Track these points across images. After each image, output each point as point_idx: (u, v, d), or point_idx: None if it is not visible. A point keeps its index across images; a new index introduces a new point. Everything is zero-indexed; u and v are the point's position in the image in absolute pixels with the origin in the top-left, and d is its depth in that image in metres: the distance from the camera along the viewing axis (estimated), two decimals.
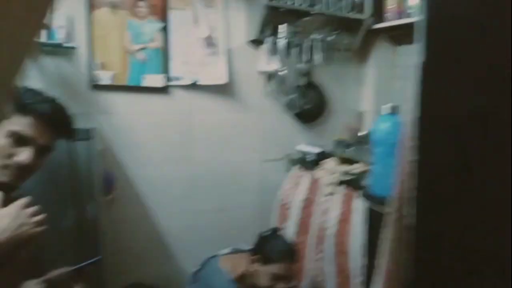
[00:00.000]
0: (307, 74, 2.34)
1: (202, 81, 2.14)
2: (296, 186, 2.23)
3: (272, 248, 1.79)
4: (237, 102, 2.28)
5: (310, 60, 2.30)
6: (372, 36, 2.40)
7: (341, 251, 1.89)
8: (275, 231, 1.90)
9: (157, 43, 2.03)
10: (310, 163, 2.24)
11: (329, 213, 1.96)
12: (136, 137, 2.08)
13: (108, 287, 1.73)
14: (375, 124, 1.72)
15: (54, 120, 1.12)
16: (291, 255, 1.81)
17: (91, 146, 1.59)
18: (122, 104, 2.02)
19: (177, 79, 2.10)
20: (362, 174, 1.90)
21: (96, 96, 1.95)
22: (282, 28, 2.16)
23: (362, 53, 2.49)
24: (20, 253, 1.00)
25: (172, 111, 2.13)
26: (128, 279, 2.07)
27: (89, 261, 1.23)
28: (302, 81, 2.34)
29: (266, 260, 1.76)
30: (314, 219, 2.08)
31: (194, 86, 2.14)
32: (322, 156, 2.26)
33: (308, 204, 2.14)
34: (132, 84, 2.00)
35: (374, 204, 1.64)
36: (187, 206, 2.26)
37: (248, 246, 1.95)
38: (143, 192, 2.14)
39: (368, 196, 1.70)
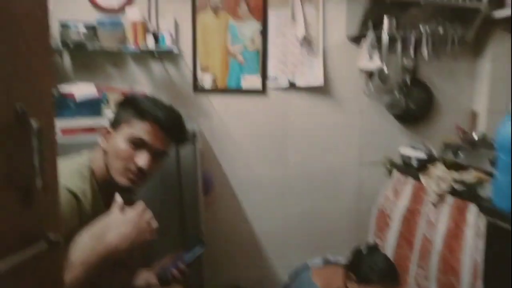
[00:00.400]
0: (412, 70, 2.17)
1: (298, 82, 2.10)
2: (397, 193, 2.08)
3: (372, 266, 1.62)
4: (334, 102, 2.20)
5: (416, 56, 2.13)
6: (489, 26, 2.14)
7: (447, 270, 1.72)
8: (374, 247, 1.74)
9: (256, 44, 2.03)
10: (414, 168, 2.08)
11: (436, 226, 1.79)
12: (232, 138, 2.11)
13: (205, 284, 1.79)
14: (500, 125, 1.51)
15: (171, 127, 1.16)
16: (393, 278, 1.64)
17: (194, 148, 1.64)
18: (220, 106, 2.06)
19: (274, 80, 2.09)
20: (477, 184, 1.70)
21: (198, 99, 2.02)
22: (386, 22, 2.02)
23: (476, 46, 2.24)
24: (136, 254, 1.06)
25: (268, 112, 2.13)
26: (221, 278, 2.13)
27: (197, 250, 1.27)
28: (407, 79, 2.18)
29: (363, 280, 1.61)
30: (418, 231, 1.93)
31: (291, 87, 2.11)
32: (428, 160, 2.08)
33: (411, 214, 1.98)
34: (231, 86, 2.03)
35: (496, 219, 1.45)
36: (280, 208, 2.25)
37: (342, 257, 1.87)
38: (237, 193, 2.18)
39: (488, 210, 1.51)
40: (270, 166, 2.19)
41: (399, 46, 2.10)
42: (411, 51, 2.12)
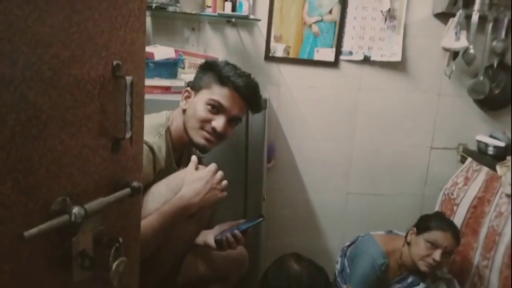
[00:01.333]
0: (501, 53, 2.00)
1: (375, 57, 2.03)
2: (468, 180, 1.98)
3: (434, 220, 1.73)
4: (411, 81, 2.10)
5: (507, 38, 1.95)
6: None
7: None
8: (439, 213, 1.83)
9: (334, 15, 1.98)
10: (490, 156, 1.96)
11: (506, 217, 1.69)
12: (300, 110, 2.11)
13: (261, 251, 1.85)
14: None
15: (249, 95, 1.20)
16: (453, 227, 1.73)
17: (264, 116, 1.66)
18: (291, 76, 2.05)
19: (349, 53, 2.03)
20: None
21: (268, 67, 2.03)
22: (478, 0, 1.87)
23: None
24: (206, 212, 1.13)
25: (339, 86, 2.09)
26: (277, 246, 2.18)
27: (256, 221, 1.32)
28: (494, 62, 2.01)
29: (422, 230, 1.72)
30: (486, 221, 1.83)
31: (365, 62, 2.04)
32: (506, 150, 1.94)
33: (480, 203, 1.89)
34: (303, 57, 2.01)
35: None
36: (341, 185, 2.23)
37: (401, 232, 1.89)
38: (299, 165, 2.19)
39: None
40: (335, 141, 2.16)
41: (490, 26, 1.94)
42: (503, 33, 1.95)
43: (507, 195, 1.73)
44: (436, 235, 1.68)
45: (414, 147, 2.18)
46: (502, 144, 1.98)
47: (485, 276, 1.84)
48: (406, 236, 1.80)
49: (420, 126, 2.16)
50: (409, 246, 1.76)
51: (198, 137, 1.18)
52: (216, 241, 1.28)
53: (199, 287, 1.38)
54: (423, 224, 1.75)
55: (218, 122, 1.16)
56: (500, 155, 1.93)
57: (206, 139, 1.17)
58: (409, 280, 1.82)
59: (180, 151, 1.25)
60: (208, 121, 1.16)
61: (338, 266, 1.93)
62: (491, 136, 2.06)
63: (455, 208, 2.00)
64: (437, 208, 2.11)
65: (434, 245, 1.68)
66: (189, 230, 1.15)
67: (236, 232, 1.27)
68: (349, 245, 1.97)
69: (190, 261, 1.37)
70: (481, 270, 1.86)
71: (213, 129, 1.16)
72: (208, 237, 1.33)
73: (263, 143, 1.72)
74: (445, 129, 2.16)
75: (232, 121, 1.20)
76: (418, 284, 1.80)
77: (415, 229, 1.76)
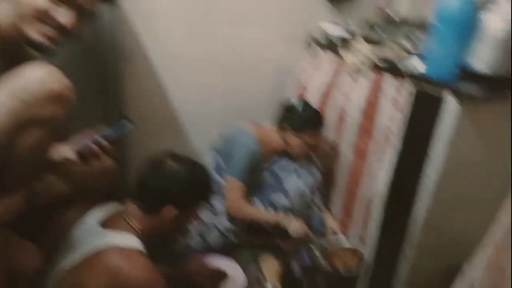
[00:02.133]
0: None
1: None
2: (318, 68, 2.13)
3: (302, 117, 1.87)
4: None
5: None
6: None
7: (363, 134, 1.89)
8: (306, 102, 1.95)
9: None
10: (335, 44, 2.11)
11: (353, 99, 1.91)
12: (155, 9, 1.94)
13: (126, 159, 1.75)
14: None
15: None
16: (322, 122, 1.93)
17: (118, 13, 1.44)
18: None
19: None
20: (398, 58, 1.79)
21: None
22: None
23: None
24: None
25: None
26: (144, 152, 2.09)
27: (123, 128, 1.20)
28: None
29: (297, 130, 1.87)
30: (335, 102, 2.04)
31: None
32: (350, 37, 2.12)
33: (330, 88, 2.07)
34: None
35: (427, 87, 1.48)
36: (203, 83, 2.20)
37: (268, 123, 2.00)
38: (160, 66, 2.07)
39: (419, 79, 1.54)
40: (194, 40, 2.07)
41: None
42: None
43: (352, 78, 1.92)
44: (312, 136, 1.89)
45: (266, 40, 2.23)
46: (344, 32, 2.14)
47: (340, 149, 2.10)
48: (279, 129, 1.93)
49: (271, 19, 2.19)
50: (287, 145, 1.92)
51: (36, 35, 0.95)
52: (77, 153, 1.13)
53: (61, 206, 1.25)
54: (298, 124, 1.88)
55: (64, 16, 0.95)
56: (344, 41, 2.10)
57: (48, 37, 0.96)
58: (277, 161, 1.98)
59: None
60: (50, 13, 0.94)
61: (212, 164, 1.96)
62: (335, 24, 2.21)
63: (306, 94, 2.16)
64: (290, 96, 2.26)
65: (310, 145, 1.87)
66: (35, 136, 0.93)
67: (99, 139, 1.14)
68: (219, 139, 2.01)
69: (48, 179, 1.20)
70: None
71: (58, 25, 0.94)
72: (65, 150, 1.16)
73: (119, 43, 1.52)
74: (293, 19, 2.23)
75: (82, 15, 0.99)
76: (284, 161, 1.98)
77: (290, 127, 1.90)
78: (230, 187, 1.89)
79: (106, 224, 1.16)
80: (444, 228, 1.45)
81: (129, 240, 1.11)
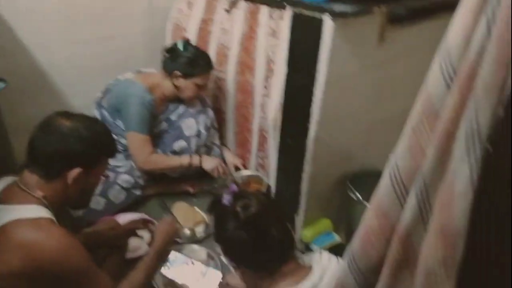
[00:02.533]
0: None
1: None
2: (192, 5, 2.06)
3: (190, 60, 1.83)
4: None
5: None
6: None
7: (244, 69, 1.93)
8: (187, 42, 1.89)
9: None
10: None
11: (230, 32, 1.91)
12: None
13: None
14: None
15: None
16: (211, 64, 1.91)
17: None
18: None
19: None
20: None
21: None
22: None
23: None
24: None
25: None
26: (18, 117, 1.86)
27: None
28: None
29: (187, 76, 1.84)
30: (213, 39, 2.02)
31: None
32: None
33: (206, 25, 2.03)
34: None
35: (304, 11, 1.51)
36: (67, 37, 1.98)
37: (149, 69, 1.92)
38: (14, 22, 1.80)
39: (296, 4, 1.54)
40: None
41: None
42: None
43: (226, 11, 1.91)
44: (202, 79, 1.87)
45: None
46: None
47: (223, 87, 2.12)
48: (167, 76, 1.87)
49: None
50: (177, 89, 1.87)
51: None
52: None
53: None
54: (187, 69, 1.84)
55: None
56: None
57: None
58: (170, 108, 1.94)
59: None
60: None
61: None
62: None
63: (184, 33, 2.09)
64: (168, 39, 2.16)
65: (201, 86, 1.87)
66: None
67: None
68: (102, 95, 1.87)
69: None
70: (219, 82, 2.13)
71: None
72: None
73: None
74: None
75: None
76: (178, 108, 1.95)
77: (180, 73, 1.84)
78: (135, 143, 1.82)
79: (3, 199, 1.04)
80: (332, 141, 1.61)
81: (34, 211, 1.02)
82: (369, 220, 0.60)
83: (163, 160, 1.90)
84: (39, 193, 1.05)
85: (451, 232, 0.50)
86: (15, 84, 1.85)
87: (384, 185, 0.58)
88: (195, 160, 1.91)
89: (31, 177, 1.06)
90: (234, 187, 1.03)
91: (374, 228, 0.59)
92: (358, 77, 1.56)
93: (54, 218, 1.04)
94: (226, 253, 1.11)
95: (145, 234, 1.59)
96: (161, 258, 1.37)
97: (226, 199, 1.04)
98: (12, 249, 0.95)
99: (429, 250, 0.52)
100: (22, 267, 0.95)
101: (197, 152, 1.98)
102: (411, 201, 0.55)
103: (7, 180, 1.10)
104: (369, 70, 1.57)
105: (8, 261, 0.94)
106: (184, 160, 1.90)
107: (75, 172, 1.07)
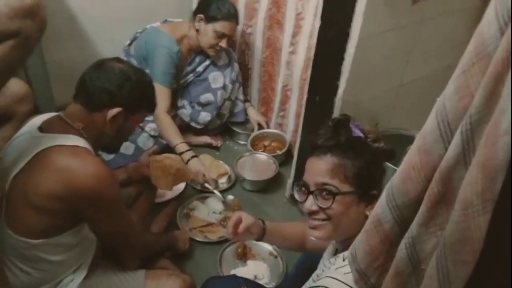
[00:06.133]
0: None
1: None
2: None
3: (219, 7, 1.82)
4: None
5: None
6: None
7: (272, 24, 1.92)
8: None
9: None
10: None
11: None
12: None
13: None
14: None
15: None
16: (236, 15, 1.89)
17: None
18: None
19: None
20: None
21: None
22: None
23: None
24: None
25: None
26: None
27: None
28: None
29: (211, 19, 1.83)
30: None
31: None
32: None
33: None
34: None
35: None
36: None
37: (176, 19, 1.95)
38: None
39: None
40: None
41: None
42: None
43: None
44: (223, 26, 1.83)
45: None
46: None
47: (250, 41, 2.12)
48: (193, 22, 1.87)
49: None
50: (198, 33, 1.85)
51: None
52: None
53: None
54: (210, 12, 1.82)
55: None
56: None
57: None
58: (197, 60, 1.96)
59: None
60: None
61: None
62: None
63: None
64: None
65: (221, 35, 1.84)
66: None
67: None
68: (130, 44, 1.90)
69: None
70: (246, 37, 2.13)
71: None
72: None
73: None
74: None
75: None
76: (205, 61, 1.97)
77: (203, 16, 1.83)
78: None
79: (46, 129, 1.10)
80: (359, 100, 1.63)
81: (73, 140, 1.07)
82: (411, 156, 0.63)
83: (165, 127, 1.86)
84: (79, 125, 1.10)
85: (493, 166, 0.52)
86: (49, 29, 1.90)
87: (430, 124, 0.61)
88: (186, 155, 1.81)
89: (75, 107, 1.13)
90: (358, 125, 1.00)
91: (415, 164, 0.63)
92: (391, 36, 1.55)
93: (91, 149, 1.10)
94: (357, 177, 0.93)
95: None
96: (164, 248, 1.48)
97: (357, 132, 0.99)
98: (51, 173, 1.00)
99: (469, 183, 0.55)
100: (60, 190, 1.00)
101: (222, 104, 2.02)
102: (456, 141, 0.57)
103: (49, 114, 1.16)
104: (402, 29, 1.56)
105: (47, 183, 1.00)
106: (179, 146, 1.83)
107: (115, 110, 1.12)
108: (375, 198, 0.92)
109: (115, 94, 1.11)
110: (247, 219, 1.15)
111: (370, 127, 1.03)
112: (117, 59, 1.19)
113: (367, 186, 0.93)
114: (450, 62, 1.91)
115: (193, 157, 1.81)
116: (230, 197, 1.86)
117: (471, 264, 0.57)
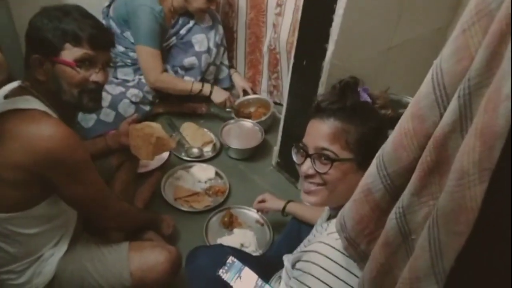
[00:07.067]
0: None
1: None
2: None
3: None
4: None
5: None
6: None
7: None
8: None
9: None
10: None
11: None
12: None
13: None
14: None
15: None
16: None
17: None
18: None
19: None
20: None
21: None
22: None
23: None
24: None
25: None
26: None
27: None
28: None
29: None
30: None
31: None
32: None
33: None
34: None
35: None
36: None
37: None
38: None
39: None
40: None
41: None
42: None
43: None
44: None
45: None
46: None
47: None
48: None
49: None
50: (186, 1, 1.79)
51: None
52: None
53: None
54: None
55: None
56: None
57: None
58: (180, 22, 1.87)
59: None
60: None
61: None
62: None
63: None
64: None
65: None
66: None
67: None
68: (109, 6, 1.79)
69: None
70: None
71: None
72: None
73: None
74: None
75: None
76: (188, 22, 1.88)
77: None
78: (145, 57, 1.78)
79: (8, 96, 1.04)
80: (348, 64, 1.58)
81: (25, 102, 1.00)
82: (404, 122, 0.60)
83: (174, 82, 1.87)
84: (26, 83, 1.04)
85: (491, 133, 0.49)
86: None
87: (424, 88, 0.57)
88: (206, 89, 1.88)
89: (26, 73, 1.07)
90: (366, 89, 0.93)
91: (408, 131, 0.59)
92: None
93: (52, 113, 1.03)
94: (358, 143, 0.89)
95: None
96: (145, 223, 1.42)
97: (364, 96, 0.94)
98: (9, 142, 0.95)
99: (466, 151, 0.52)
100: (21, 158, 0.95)
101: (206, 69, 1.95)
102: (453, 106, 0.54)
103: (15, 83, 1.09)
104: None
105: (8, 153, 0.95)
106: (196, 86, 1.87)
107: (33, 59, 1.03)
108: None
109: (28, 42, 1.06)
110: (270, 204, 1.45)
111: (379, 92, 0.97)
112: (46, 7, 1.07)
113: (367, 154, 0.86)
114: (441, 25, 1.86)
115: (212, 87, 1.90)
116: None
117: (464, 235, 0.55)
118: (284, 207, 1.39)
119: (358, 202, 0.72)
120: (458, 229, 0.54)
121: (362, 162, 0.88)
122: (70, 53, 1.04)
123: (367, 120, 0.90)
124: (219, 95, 1.90)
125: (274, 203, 1.44)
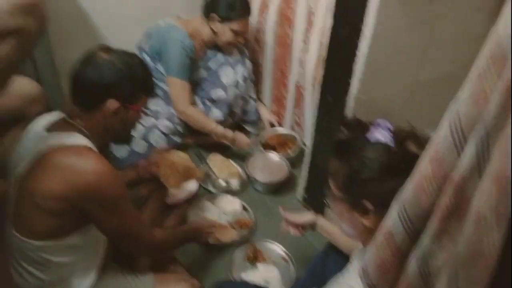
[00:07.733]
0: None
1: None
2: None
3: (228, 4, 1.81)
4: None
5: None
6: None
7: (283, 21, 1.89)
8: None
9: None
10: None
11: None
12: None
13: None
14: None
15: None
16: (248, 10, 1.88)
17: None
18: None
19: None
20: None
21: None
22: None
23: None
24: None
25: None
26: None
27: None
28: None
29: (225, 18, 1.83)
30: None
31: None
32: None
33: None
34: None
35: None
36: None
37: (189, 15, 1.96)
38: None
39: None
40: None
41: None
42: None
43: None
44: (239, 24, 1.84)
45: None
46: None
47: (261, 39, 2.09)
48: (205, 20, 1.87)
49: None
50: (215, 35, 1.86)
51: None
52: None
53: None
54: (223, 12, 1.82)
55: None
56: None
57: None
58: (209, 55, 1.95)
59: None
60: None
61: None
62: None
63: None
64: None
65: (238, 32, 1.85)
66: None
67: None
68: (143, 40, 1.90)
69: None
70: (256, 34, 2.10)
71: None
72: None
73: None
74: None
75: None
76: (217, 56, 1.96)
77: (216, 16, 1.83)
78: (175, 88, 1.85)
79: (51, 129, 1.09)
80: (373, 100, 1.58)
81: (75, 139, 1.06)
82: (423, 166, 0.60)
83: (199, 118, 1.91)
84: (79, 123, 1.09)
85: (506, 178, 0.49)
86: (60, 29, 1.91)
87: (442, 132, 0.57)
88: (228, 134, 1.92)
89: (74, 109, 1.11)
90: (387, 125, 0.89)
91: (427, 175, 0.59)
92: (405, 33, 1.50)
93: (94, 148, 1.08)
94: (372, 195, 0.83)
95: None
96: (186, 242, 1.40)
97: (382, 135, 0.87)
98: (53, 173, 0.99)
99: (483, 196, 0.52)
100: (62, 189, 0.99)
101: (234, 102, 2.00)
102: (470, 149, 0.54)
103: (59, 114, 1.15)
104: (416, 26, 1.51)
105: (50, 183, 0.99)
106: (218, 129, 1.91)
107: (113, 106, 1.10)
108: (368, 209, 0.83)
109: (107, 88, 1.09)
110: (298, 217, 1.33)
111: (402, 127, 0.94)
112: (103, 48, 1.14)
113: (356, 195, 0.85)
114: (467, 62, 1.84)
115: (235, 135, 1.94)
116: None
117: (483, 283, 0.53)
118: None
119: (380, 247, 0.71)
120: (476, 276, 0.53)
121: (353, 202, 0.85)
122: (140, 101, 1.18)
123: (349, 159, 0.85)
124: (241, 139, 1.95)
125: (302, 215, 1.34)
